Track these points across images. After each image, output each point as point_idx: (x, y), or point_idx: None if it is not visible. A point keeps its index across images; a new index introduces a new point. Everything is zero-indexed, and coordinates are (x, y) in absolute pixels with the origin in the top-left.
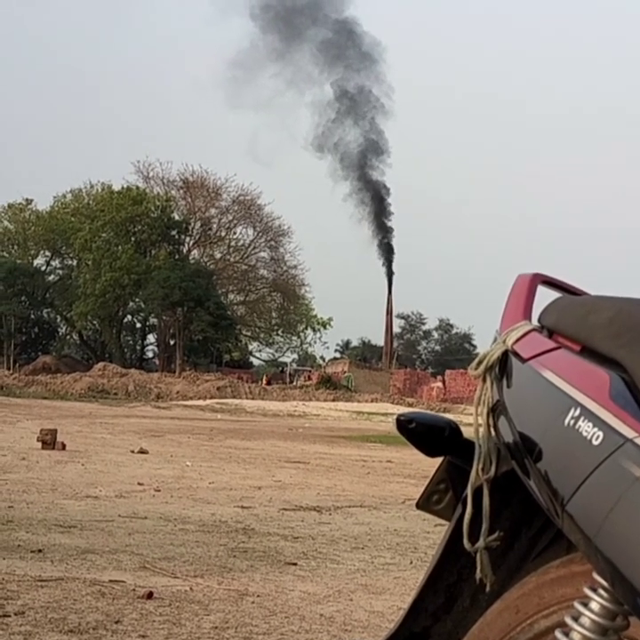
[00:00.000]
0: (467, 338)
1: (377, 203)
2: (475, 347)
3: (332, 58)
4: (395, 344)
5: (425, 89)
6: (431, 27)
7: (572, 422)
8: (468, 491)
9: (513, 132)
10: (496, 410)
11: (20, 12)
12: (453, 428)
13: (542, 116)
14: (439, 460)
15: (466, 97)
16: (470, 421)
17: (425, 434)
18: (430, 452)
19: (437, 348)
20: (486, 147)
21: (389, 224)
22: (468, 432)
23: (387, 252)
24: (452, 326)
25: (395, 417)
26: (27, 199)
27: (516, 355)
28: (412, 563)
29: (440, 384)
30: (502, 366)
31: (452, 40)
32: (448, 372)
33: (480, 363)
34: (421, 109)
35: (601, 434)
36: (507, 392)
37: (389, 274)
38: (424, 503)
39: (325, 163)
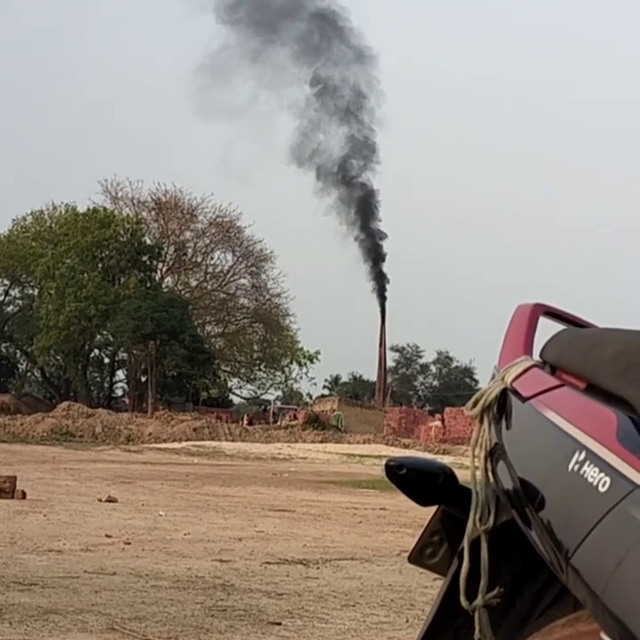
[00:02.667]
0: (468, 372)
1: (366, 219)
2: (476, 382)
3: (312, 54)
4: (389, 379)
5: (419, 87)
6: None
7: (576, 467)
8: (465, 543)
9: (522, 151)
10: (494, 453)
11: None
12: (448, 474)
13: (553, 128)
14: (433, 509)
15: (464, 104)
16: (470, 462)
17: (417, 481)
18: (423, 500)
19: (435, 383)
20: (489, 166)
21: (382, 246)
22: (467, 477)
23: (379, 278)
24: (451, 360)
25: (384, 462)
26: None
27: (516, 393)
28: (408, 621)
29: (439, 423)
30: (501, 406)
31: (445, 33)
32: (447, 409)
33: (477, 402)
34: (414, 114)
35: (608, 480)
36: (506, 434)
37: (382, 302)
38: (417, 557)
39: (308, 177)
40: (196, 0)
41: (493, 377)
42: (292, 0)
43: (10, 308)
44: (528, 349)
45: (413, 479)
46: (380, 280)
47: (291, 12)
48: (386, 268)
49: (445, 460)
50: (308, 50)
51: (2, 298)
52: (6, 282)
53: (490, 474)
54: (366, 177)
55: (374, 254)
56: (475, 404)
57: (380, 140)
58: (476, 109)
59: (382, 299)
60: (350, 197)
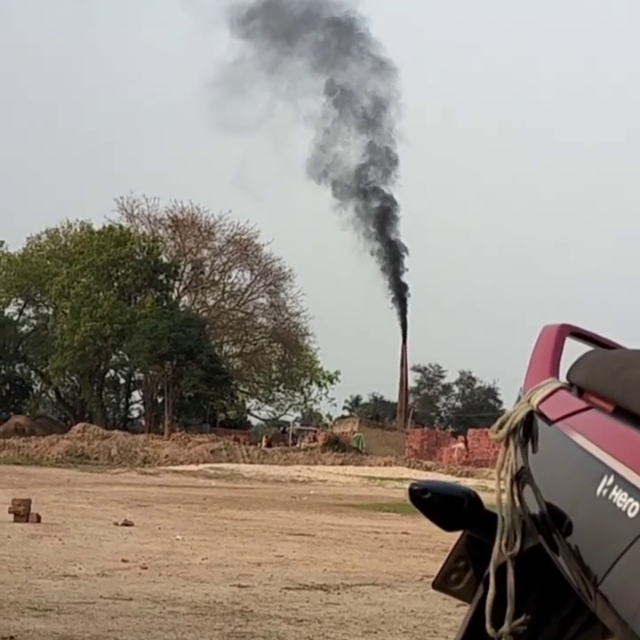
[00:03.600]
0: (491, 393)
1: (385, 231)
2: (500, 403)
3: (330, 63)
4: (410, 400)
5: (442, 100)
6: (445, 37)
7: (605, 492)
8: (491, 569)
9: (548, 165)
10: (520, 477)
11: None
12: (473, 499)
13: (577, 146)
14: (457, 534)
15: (491, 118)
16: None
17: (441, 505)
18: (447, 525)
19: (458, 404)
20: (515, 180)
21: (402, 261)
22: (491, 500)
23: (400, 296)
24: (474, 380)
25: (408, 486)
26: None
27: (542, 416)
28: None
29: (462, 445)
30: (527, 429)
31: (465, 51)
32: (470, 431)
33: (502, 425)
34: (438, 127)
35: (637, 505)
36: (532, 458)
37: (403, 321)
38: (441, 583)
39: (326, 192)
40: (209, 14)
41: (519, 399)
42: (309, 9)
43: (24, 328)
44: (554, 371)
45: (438, 504)
46: (401, 298)
47: (307, 22)
48: (407, 285)
49: (469, 482)
50: (325, 59)
51: (16, 317)
52: (21, 301)
53: (516, 498)
54: (386, 188)
55: (394, 270)
56: (500, 427)
57: (400, 152)
58: (497, 123)
59: (403, 318)
60: (368, 209)
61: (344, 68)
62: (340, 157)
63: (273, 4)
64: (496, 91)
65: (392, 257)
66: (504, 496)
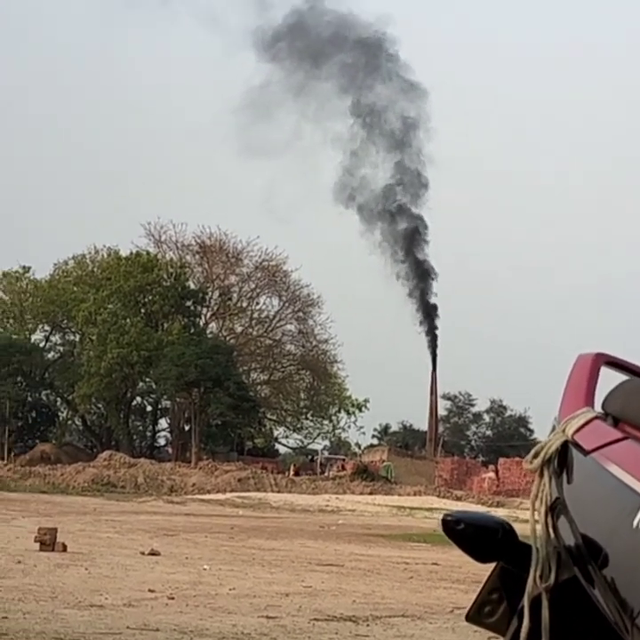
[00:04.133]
0: (522, 421)
1: (413, 255)
2: (531, 432)
3: (358, 84)
4: (440, 429)
5: (471, 123)
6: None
7: None
8: (525, 601)
9: (579, 190)
10: (555, 508)
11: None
12: (507, 530)
13: (609, 173)
14: (490, 565)
15: (522, 145)
16: (527, 517)
17: (475, 536)
18: (481, 556)
19: (489, 432)
20: (549, 206)
21: (431, 286)
22: (523, 530)
23: (429, 321)
24: (505, 408)
25: (441, 517)
26: (24, 267)
27: (578, 446)
28: None
29: (492, 474)
30: (562, 459)
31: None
32: (501, 460)
33: (537, 455)
34: (467, 150)
35: None
36: (567, 488)
37: (433, 348)
38: (475, 615)
39: (353, 217)
40: (235, 37)
41: (553, 429)
42: (336, 31)
43: (51, 355)
44: (589, 401)
45: (472, 535)
46: (431, 324)
47: (334, 43)
48: (436, 309)
49: (500, 512)
50: (352, 81)
51: (42, 344)
52: (47, 327)
53: (551, 529)
54: (415, 210)
55: (422, 294)
56: (534, 457)
57: (430, 174)
58: (530, 151)
59: (433, 344)
60: (396, 231)
61: (372, 90)
62: (367, 180)
63: (299, 25)
64: (526, 119)
65: (420, 279)
66: (538, 527)
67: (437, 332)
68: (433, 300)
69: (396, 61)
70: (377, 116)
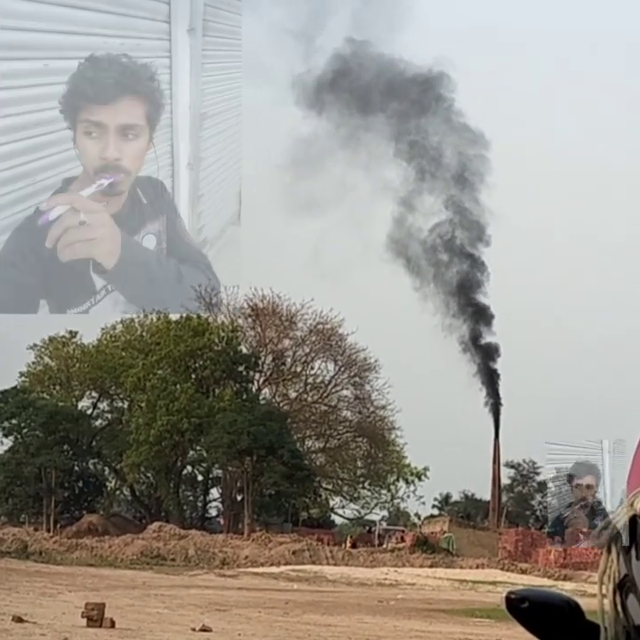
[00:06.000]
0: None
1: (472, 302)
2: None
3: (408, 130)
4: (504, 498)
5: (529, 173)
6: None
7: None
8: None
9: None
10: (624, 586)
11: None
12: (574, 608)
13: None
14: None
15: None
16: (596, 591)
17: (540, 615)
18: (546, 636)
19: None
20: (612, 257)
21: (492, 345)
22: (591, 605)
23: (491, 386)
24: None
25: (504, 594)
26: (71, 332)
27: None
28: None
29: (559, 546)
30: (631, 535)
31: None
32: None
33: (604, 530)
34: (524, 199)
35: None
36: (636, 565)
37: (496, 414)
38: None
39: (407, 269)
40: (280, 89)
41: (621, 503)
42: (388, 78)
43: (98, 422)
44: None
45: (537, 614)
46: (493, 388)
47: (384, 90)
48: (498, 374)
49: (567, 586)
50: (403, 128)
51: (90, 411)
52: (95, 394)
53: (619, 608)
54: (473, 257)
55: (485, 359)
56: (602, 533)
57: (486, 220)
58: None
59: (496, 411)
60: (450, 280)
61: (425, 137)
62: (419, 229)
63: (345, 73)
64: (580, 165)
65: (478, 332)
66: (606, 605)
67: (500, 396)
68: (497, 363)
69: (449, 107)
70: (428, 163)
